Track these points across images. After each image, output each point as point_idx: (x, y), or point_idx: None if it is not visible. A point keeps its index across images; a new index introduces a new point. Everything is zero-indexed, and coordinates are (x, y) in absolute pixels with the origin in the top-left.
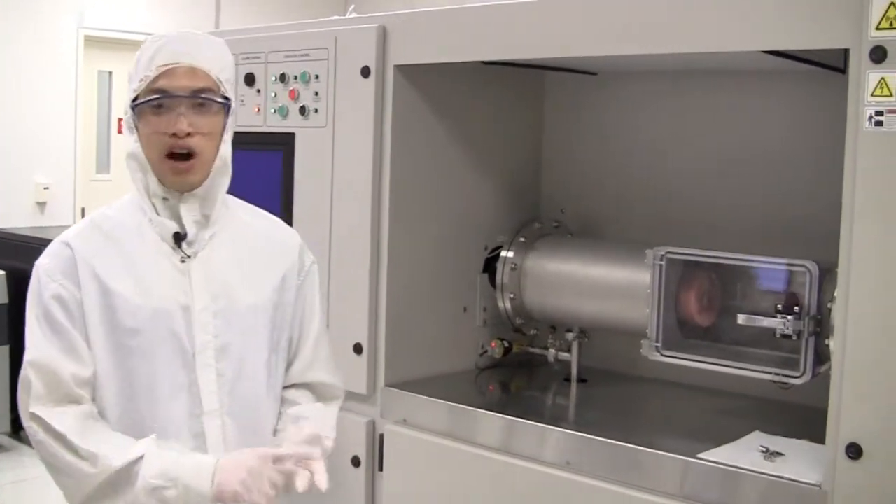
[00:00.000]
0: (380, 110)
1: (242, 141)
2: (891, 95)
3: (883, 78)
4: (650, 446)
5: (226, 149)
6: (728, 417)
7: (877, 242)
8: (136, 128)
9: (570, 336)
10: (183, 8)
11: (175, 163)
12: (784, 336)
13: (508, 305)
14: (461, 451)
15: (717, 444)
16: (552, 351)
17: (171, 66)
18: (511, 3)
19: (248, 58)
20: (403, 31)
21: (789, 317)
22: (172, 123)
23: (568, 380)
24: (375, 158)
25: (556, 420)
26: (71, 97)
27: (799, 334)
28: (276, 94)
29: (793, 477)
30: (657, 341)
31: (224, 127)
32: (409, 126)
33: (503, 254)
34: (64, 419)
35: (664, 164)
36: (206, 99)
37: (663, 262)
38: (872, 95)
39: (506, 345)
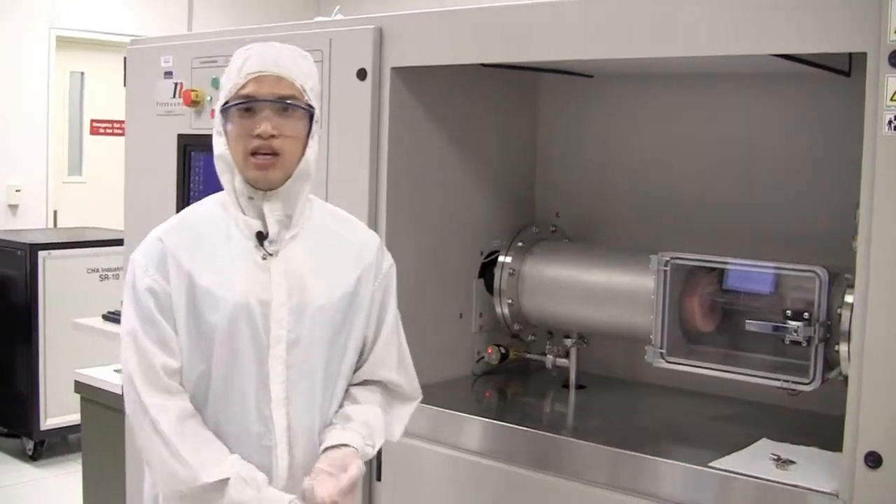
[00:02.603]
0: (376, 113)
1: None
2: None
3: None
4: (657, 454)
5: (311, 153)
6: (731, 424)
7: (895, 247)
8: (225, 131)
9: (568, 342)
10: (155, 8)
11: (258, 158)
12: (794, 342)
13: (506, 311)
14: (459, 459)
15: (724, 452)
16: (550, 357)
17: (258, 74)
18: (510, 5)
19: None
20: (400, 33)
21: (799, 323)
22: (258, 125)
23: (566, 386)
24: (372, 162)
25: (557, 428)
26: (43, 98)
27: (809, 340)
28: None
29: (809, 486)
30: (662, 348)
31: (309, 133)
32: (406, 129)
33: (501, 259)
34: (168, 418)
35: (661, 167)
36: (289, 104)
37: (668, 268)
38: (892, 100)
39: (502, 351)
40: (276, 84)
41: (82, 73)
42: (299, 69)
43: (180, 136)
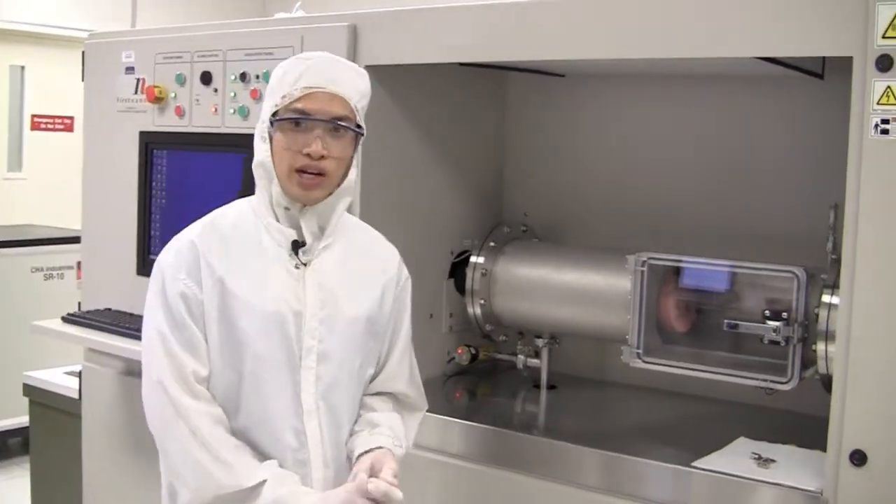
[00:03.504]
0: None
1: (198, 142)
2: None
3: (889, 86)
4: (634, 454)
5: (353, 173)
6: (705, 423)
7: (881, 249)
8: (270, 139)
9: (539, 342)
10: (98, 3)
11: (303, 177)
12: (772, 342)
13: (479, 311)
14: (429, 460)
15: (701, 451)
16: (521, 357)
17: (314, 90)
18: (485, 4)
19: (203, 55)
20: (375, 31)
21: (778, 323)
22: (309, 144)
23: (537, 386)
24: None
25: (529, 428)
26: None
27: (787, 340)
28: (235, 94)
29: (793, 484)
30: (638, 348)
31: (353, 153)
32: (378, 128)
33: (473, 259)
34: (205, 422)
35: (632, 167)
36: (342, 126)
37: (644, 268)
38: (878, 104)
39: (472, 351)
40: (331, 102)
41: (22, 67)
42: (356, 88)
43: (142, 134)
